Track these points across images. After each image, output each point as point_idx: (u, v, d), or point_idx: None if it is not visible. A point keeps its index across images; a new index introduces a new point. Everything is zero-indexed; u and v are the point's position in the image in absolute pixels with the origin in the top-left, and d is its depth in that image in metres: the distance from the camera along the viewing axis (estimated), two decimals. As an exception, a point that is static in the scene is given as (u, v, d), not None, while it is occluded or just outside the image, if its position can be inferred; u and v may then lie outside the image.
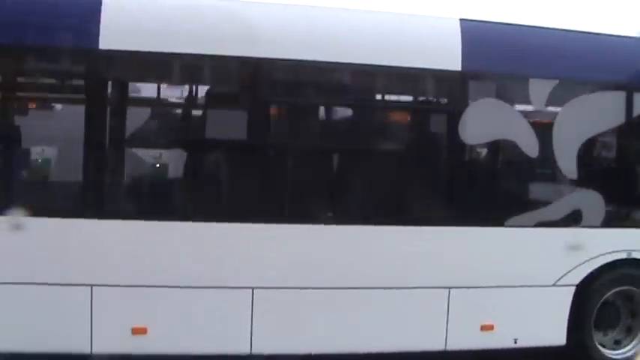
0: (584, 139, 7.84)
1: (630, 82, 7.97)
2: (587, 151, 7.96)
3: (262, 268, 7.01)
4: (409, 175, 7.74)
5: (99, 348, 6.74)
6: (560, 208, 7.83)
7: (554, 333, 7.79)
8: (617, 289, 8.06)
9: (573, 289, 7.79)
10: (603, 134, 8.03)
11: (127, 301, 6.75)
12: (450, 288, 7.48)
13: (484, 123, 7.55)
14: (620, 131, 8.02)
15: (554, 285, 7.75)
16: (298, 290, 7.12)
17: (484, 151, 8.07)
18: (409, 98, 8.35)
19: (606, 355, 8.09)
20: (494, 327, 7.60)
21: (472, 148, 7.84)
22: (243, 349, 7.05)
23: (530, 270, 7.64)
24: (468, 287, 7.52)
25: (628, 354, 8.15)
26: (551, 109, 7.91)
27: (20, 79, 7.08)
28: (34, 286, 6.63)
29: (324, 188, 7.60)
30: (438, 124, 7.77)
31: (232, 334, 7.07)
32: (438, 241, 7.40)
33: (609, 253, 7.83)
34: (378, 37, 7.36)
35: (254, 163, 7.20)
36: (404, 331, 7.38)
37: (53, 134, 7.00)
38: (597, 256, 7.80)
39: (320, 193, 7.57)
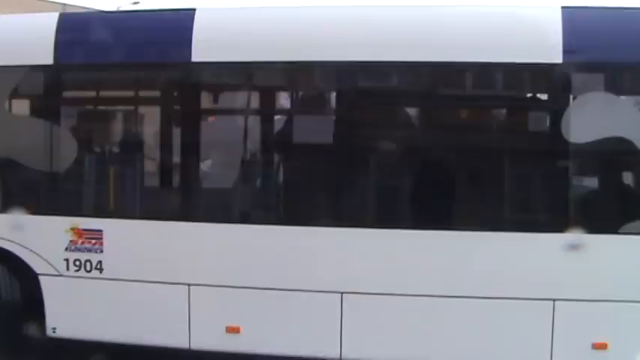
0: None
1: None
2: None
3: (351, 273, 7.03)
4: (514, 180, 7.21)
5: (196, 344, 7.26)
6: None
7: None
8: None
9: None
10: None
11: (223, 301, 7.16)
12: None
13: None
14: None
15: None
16: (388, 296, 6.97)
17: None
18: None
19: None
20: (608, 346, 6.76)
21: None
22: (333, 354, 7.10)
23: None
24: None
25: None
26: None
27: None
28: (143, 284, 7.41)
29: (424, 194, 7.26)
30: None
31: (323, 339, 7.14)
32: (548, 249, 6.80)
33: None
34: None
35: (350, 169, 7.23)
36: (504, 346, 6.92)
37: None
38: None
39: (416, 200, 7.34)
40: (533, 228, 6.91)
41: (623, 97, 7.19)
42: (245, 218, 7.49)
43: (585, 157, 7.01)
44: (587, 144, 6.77)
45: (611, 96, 7.03)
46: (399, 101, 7.68)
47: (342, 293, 7.06)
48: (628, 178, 7.21)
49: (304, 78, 7.72)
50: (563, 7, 6.97)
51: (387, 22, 7.27)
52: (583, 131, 6.79)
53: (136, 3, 76.59)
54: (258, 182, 7.86)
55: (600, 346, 6.74)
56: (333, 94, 7.57)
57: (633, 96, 7.19)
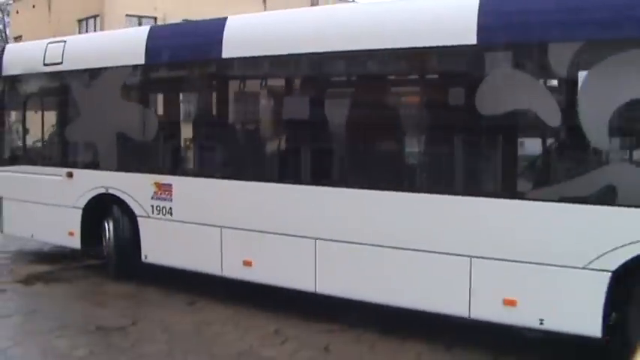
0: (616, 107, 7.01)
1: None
2: (620, 119, 7.10)
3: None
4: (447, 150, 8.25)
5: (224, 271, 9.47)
6: (591, 183, 7.15)
7: (590, 321, 7.12)
8: None
9: (608, 275, 6.96)
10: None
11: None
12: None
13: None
14: None
15: (584, 268, 7.07)
16: (348, 244, 8.60)
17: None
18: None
19: None
20: (518, 303, 7.45)
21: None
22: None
23: (556, 247, 7.25)
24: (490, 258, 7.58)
25: None
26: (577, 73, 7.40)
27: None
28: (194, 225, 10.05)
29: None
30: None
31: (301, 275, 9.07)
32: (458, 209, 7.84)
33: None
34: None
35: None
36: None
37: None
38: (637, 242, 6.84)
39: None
40: (455, 192, 7.89)
41: (529, 74, 7.68)
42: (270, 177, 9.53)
43: (497, 128, 7.72)
44: (497, 116, 7.58)
45: (518, 72, 7.70)
46: (352, 82, 9.50)
47: (315, 239, 8.83)
48: (535, 146, 7.84)
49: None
50: None
51: (343, 18, 9.26)
52: (493, 105, 7.61)
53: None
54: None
55: (510, 303, 7.47)
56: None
57: (538, 72, 7.74)
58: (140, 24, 40.59)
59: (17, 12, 54.09)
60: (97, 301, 10.14)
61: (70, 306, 9.91)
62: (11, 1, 62.44)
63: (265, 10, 43.28)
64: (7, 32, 62.07)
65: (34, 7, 49.53)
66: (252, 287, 9.59)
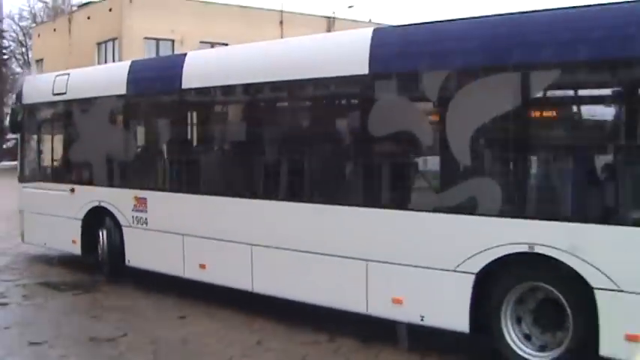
0: (481, 123, 7.92)
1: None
2: (482, 138, 8.08)
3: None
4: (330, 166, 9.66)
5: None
6: (458, 195, 8.05)
7: (459, 318, 7.94)
8: (525, 284, 7.73)
9: (472, 277, 7.83)
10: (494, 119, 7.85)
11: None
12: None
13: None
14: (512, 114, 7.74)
15: (454, 271, 7.95)
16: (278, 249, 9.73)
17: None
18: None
19: (519, 353, 7.75)
20: (404, 302, 8.41)
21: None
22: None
23: (431, 252, 8.15)
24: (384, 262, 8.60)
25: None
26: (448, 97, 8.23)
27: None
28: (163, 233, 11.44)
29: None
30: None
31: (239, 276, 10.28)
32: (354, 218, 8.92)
33: (508, 244, 7.62)
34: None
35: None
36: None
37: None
38: (493, 247, 7.68)
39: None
40: (354, 203, 8.94)
41: (412, 100, 8.85)
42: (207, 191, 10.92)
43: (386, 147, 8.79)
44: (386, 137, 8.67)
45: (405, 99, 8.85)
46: (276, 108, 10.90)
47: (251, 245, 10.03)
48: (416, 163, 8.86)
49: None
50: (374, 29, 9.14)
51: (270, 53, 10.50)
52: (381, 125, 8.66)
53: (350, 7, 77.27)
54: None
55: (397, 301, 8.45)
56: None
57: (416, 97, 8.83)
58: (158, 47, 41.39)
59: (39, 35, 55.10)
60: (93, 314, 10.58)
61: (67, 318, 10.38)
62: (34, 25, 63.60)
63: (282, 32, 43.90)
64: (30, 55, 63.10)
65: (54, 30, 50.58)
66: (242, 299, 10.30)
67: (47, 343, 8.96)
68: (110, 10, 42.34)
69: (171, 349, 8.75)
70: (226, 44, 40.97)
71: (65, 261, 14.17)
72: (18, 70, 71.06)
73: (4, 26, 70.85)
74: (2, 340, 9.17)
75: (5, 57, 69.09)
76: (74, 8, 54.56)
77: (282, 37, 40.97)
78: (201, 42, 41.33)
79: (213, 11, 42.69)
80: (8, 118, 15.33)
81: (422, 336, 8.53)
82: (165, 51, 41.10)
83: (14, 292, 11.97)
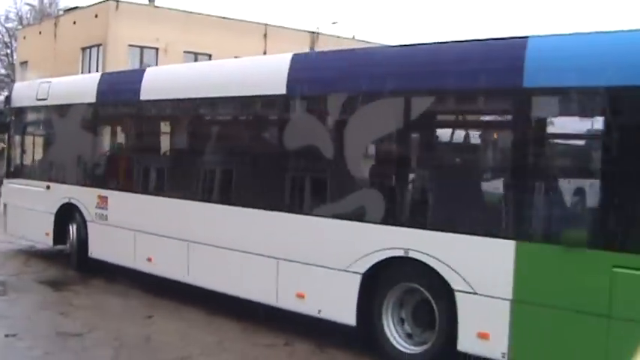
0: (369, 142, 9.36)
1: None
2: (370, 156, 9.50)
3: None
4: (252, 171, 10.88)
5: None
6: (350, 203, 9.18)
7: (348, 313, 8.99)
8: (402, 285, 8.71)
9: (359, 277, 8.86)
10: (380, 139, 9.26)
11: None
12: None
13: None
14: (394, 135, 8.98)
15: (345, 270, 9.02)
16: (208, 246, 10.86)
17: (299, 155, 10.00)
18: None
19: (397, 347, 8.74)
20: (306, 297, 9.52)
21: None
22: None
23: (329, 253, 9.22)
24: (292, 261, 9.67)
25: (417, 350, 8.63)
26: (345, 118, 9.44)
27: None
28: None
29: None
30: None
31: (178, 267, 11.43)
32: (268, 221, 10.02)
33: (386, 249, 8.65)
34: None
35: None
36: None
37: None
38: (376, 251, 8.72)
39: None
40: (267, 208, 10.05)
41: (318, 119, 9.81)
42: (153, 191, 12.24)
43: (294, 160, 10.02)
44: (295, 151, 9.89)
45: (313, 118, 9.87)
46: (210, 122, 12.18)
47: (188, 242, 11.15)
48: (319, 173, 9.92)
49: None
50: (293, 55, 10.19)
51: (209, 73, 12.14)
52: (293, 140, 9.85)
53: (334, 23, 77.58)
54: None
55: (300, 295, 9.52)
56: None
57: (322, 116, 9.79)
58: (142, 55, 41.74)
59: (24, 38, 55.22)
60: (62, 310, 11.03)
61: (37, 314, 10.82)
62: (20, 27, 63.71)
63: (265, 45, 44.35)
64: (15, 57, 63.21)
65: (40, 33, 50.69)
66: (207, 299, 11.01)
67: (17, 336, 9.38)
68: (96, 16, 42.54)
69: (133, 346, 9.21)
70: (210, 55, 41.48)
71: (40, 258, 15.27)
72: (2, 71, 71.18)
73: (-11, 27, 71.13)
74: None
75: (-10, 57, 69.19)
76: (61, 12, 54.89)
77: (265, 51, 41.45)
78: (184, 52, 41.83)
79: (198, 22, 42.94)
80: None
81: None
82: (149, 59, 41.43)
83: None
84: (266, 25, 46.83)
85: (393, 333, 8.79)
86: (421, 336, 8.70)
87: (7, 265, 14.67)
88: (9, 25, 71.09)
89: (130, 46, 41.26)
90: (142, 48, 41.81)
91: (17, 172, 15.99)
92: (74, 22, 45.65)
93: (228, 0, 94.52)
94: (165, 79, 12.54)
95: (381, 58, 9.57)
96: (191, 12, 44.14)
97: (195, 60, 41.19)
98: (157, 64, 38.90)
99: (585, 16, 78.57)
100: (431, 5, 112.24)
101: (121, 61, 39.37)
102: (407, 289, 8.74)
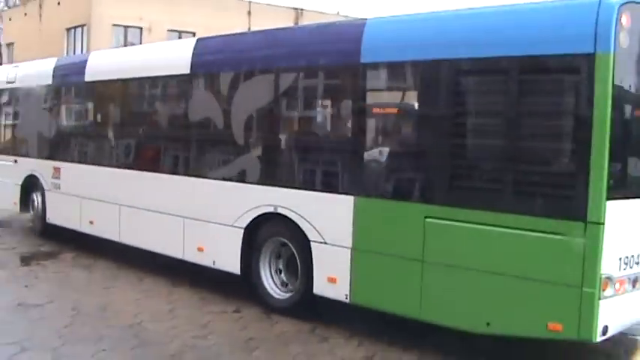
0: (247, 114, 10.44)
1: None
2: (247, 126, 10.47)
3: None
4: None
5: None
6: (235, 167, 10.63)
7: (234, 263, 10.30)
8: (274, 238, 9.96)
9: (241, 230, 10.14)
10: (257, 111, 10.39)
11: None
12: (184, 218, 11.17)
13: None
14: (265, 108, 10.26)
15: (232, 226, 10.28)
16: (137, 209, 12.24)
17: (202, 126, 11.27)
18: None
19: (272, 293, 10.07)
20: (204, 250, 10.82)
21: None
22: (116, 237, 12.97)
23: (220, 211, 10.51)
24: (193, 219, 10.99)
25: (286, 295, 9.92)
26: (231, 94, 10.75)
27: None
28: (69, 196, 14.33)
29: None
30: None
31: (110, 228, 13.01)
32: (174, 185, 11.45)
33: (261, 206, 9.91)
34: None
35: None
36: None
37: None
38: (253, 208, 10.00)
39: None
40: (175, 173, 11.62)
41: (213, 94, 11.11)
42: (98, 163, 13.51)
43: (195, 130, 11.34)
44: (196, 122, 11.31)
45: (209, 94, 11.22)
46: (133, 99, 13.37)
47: (119, 205, 12.58)
48: (215, 144, 11.29)
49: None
50: (197, 39, 11.79)
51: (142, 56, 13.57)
52: (194, 114, 11.33)
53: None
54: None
55: (200, 249, 10.87)
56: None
57: (217, 92, 11.03)
58: (126, 34, 41.97)
59: (10, 19, 55.21)
60: (27, 283, 11.46)
61: (2, 287, 11.30)
62: (6, 8, 63.79)
63: (249, 22, 44.58)
64: (1, 39, 63.30)
65: (25, 15, 50.85)
66: (173, 270, 11.89)
67: (-21, 307, 9.83)
68: (80, -4, 42.93)
69: (88, 314, 9.58)
70: (194, 33, 41.67)
71: (13, 234, 16.36)
72: (-12, 51, 71.31)
73: (-24, 9, 71.24)
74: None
75: (-24, 39, 69.25)
76: (44, -8, 55.08)
77: (249, 27, 41.62)
78: (168, 30, 42.03)
79: (181, 0, 43.33)
80: None
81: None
82: (133, 38, 41.64)
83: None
84: (250, 1, 46.92)
85: (269, 281, 10.08)
86: (294, 284, 9.82)
87: (-22, 241, 15.11)
88: (-5, 7, 71.28)
89: (114, 25, 41.43)
90: (125, 27, 41.96)
91: None
92: (58, 3, 45.77)
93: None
94: (103, 63, 13.92)
95: (254, 40, 11.19)
96: (175, -10, 44.29)
97: (179, 37, 41.44)
98: (141, 43, 39.27)
99: None
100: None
101: (105, 41, 39.62)
102: (280, 242, 9.96)
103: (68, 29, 44.28)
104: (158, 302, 10.40)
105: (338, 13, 51.42)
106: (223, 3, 45.15)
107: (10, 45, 53.48)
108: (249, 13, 46.01)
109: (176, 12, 42.16)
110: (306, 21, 46.47)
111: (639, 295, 7.42)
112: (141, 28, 42.16)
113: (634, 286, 7.29)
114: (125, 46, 38.93)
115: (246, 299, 10.30)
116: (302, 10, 49.78)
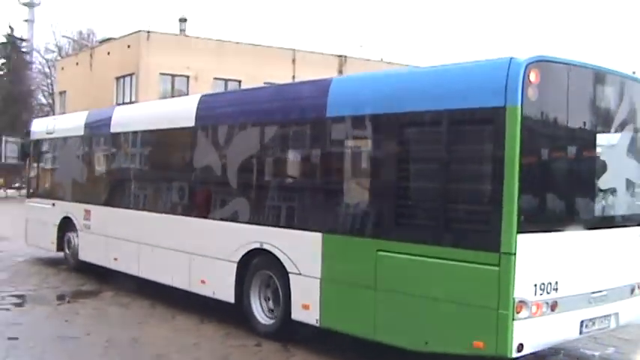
0: (238, 163, 11.77)
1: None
2: (240, 172, 11.78)
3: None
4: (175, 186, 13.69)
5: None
6: (229, 209, 11.91)
7: (229, 293, 11.61)
8: (262, 271, 11.21)
9: (235, 264, 11.45)
10: (247, 159, 11.69)
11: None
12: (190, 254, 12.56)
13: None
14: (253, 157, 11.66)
15: (227, 260, 11.58)
16: (154, 247, 13.68)
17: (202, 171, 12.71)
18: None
19: (259, 319, 11.30)
20: (206, 282, 12.21)
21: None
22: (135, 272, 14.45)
23: (218, 248, 11.86)
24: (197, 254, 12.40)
25: (269, 322, 11.12)
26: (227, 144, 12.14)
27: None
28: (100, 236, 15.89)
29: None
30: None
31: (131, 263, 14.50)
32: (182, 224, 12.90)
33: (250, 243, 11.21)
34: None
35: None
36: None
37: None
38: (244, 244, 11.32)
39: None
40: (183, 214, 13.02)
41: (214, 144, 12.40)
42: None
43: (198, 177, 12.84)
44: (199, 170, 12.75)
45: (210, 144, 12.50)
46: (148, 149, 14.87)
47: (139, 243, 14.05)
48: (215, 190, 12.61)
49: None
50: (201, 96, 13.40)
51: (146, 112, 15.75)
52: (198, 162, 12.76)
53: (361, 46, 78.52)
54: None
55: (203, 282, 12.27)
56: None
57: (216, 143, 12.31)
58: (173, 82, 43.28)
59: (62, 68, 57.27)
60: (67, 318, 12.46)
61: (44, 321, 12.22)
62: (59, 58, 65.76)
63: (294, 70, 45.55)
64: (54, 87, 65.22)
65: (77, 64, 52.67)
66: (200, 305, 12.71)
67: (21, 339, 10.77)
68: (129, 46, 44.46)
69: (120, 346, 10.46)
70: (239, 81, 42.89)
71: (57, 275, 17.14)
72: (43, 100, 73.42)
73: (32, 58, 73.61)
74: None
75: (32, 88, 71.78)
76: (96, 43, 56.94)
77: (294, 75, 42.57)
78: (214, 78, 43.28)
79: (227, 49, 44.43)
80: (17, 150, 20.14)
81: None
82: (180, 86, 43.09)
83: (8, 301, 13.94)
84: (294, 50, 47.99)
85: (258, 308, 11.34)
86: (279, 311, 10.98)
87: (28, 281, 16.32)
88: (48, 56, 73.53)
89: (162, 74, 42.84)
90: (173, 76, 43.37)
91: (34, 193, 19.63)
92: (108, 53, 47.54)
93: (258, 27, 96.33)
94: (125, 116, 15.56)
95: (243, 98, 13.04)
96: (221, 40, 45.59)
97: (225, 86, 42.61)
98: (187, 92, 40.48)
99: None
100: (455, 25, 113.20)
101: (153, 89, 41.05)
102: (267, 275, 11.20)
103: (118, 78, 45.85)
104: (186, 337, 11.26)
105: (382, 59, 52.01)
106: (268, 51, 46.20)
107: (62, 93, 55.28)
108: (293, 61, 46.95)
109: (222, 61, 43.33)
110: (350, 67, 47.33)
111: (561, 318, 8.40)
112: (187, 77, 43.37)
113: (552, 310, 8.26)
114: (172, 94, 40.12)
115: (276, 339, 11.01)
116: (346, 57, 50.46)
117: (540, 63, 8.11)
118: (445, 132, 8.58)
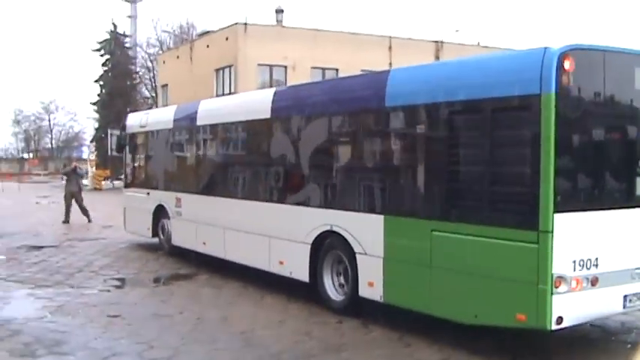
0: (310, 151, 12.61)
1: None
2: (311, 160, 12.64)
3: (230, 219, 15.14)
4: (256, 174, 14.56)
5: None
6: (303, 194, 12.74)
7: (304, 273, 12.50)
8: (333, 251, 11.98)
9: (309, 246, 12.30)
10: (318, 148, 12.52)
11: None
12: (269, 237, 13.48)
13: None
14: (322, 146, 12.49)
15: (302, 242, 12.44)
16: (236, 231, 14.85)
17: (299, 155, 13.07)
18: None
19: (331, 296, 12.12)
20: (284, 263, 13.13)
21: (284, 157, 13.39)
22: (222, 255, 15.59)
23: (293, 230, 12.73)
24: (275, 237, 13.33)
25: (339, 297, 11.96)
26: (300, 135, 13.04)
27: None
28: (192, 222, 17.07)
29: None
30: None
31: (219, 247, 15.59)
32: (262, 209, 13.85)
33: (322, 225, 12.04)
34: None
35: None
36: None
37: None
38: (316, 227, 12.15)
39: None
40: (262, 200, 13.99)
41: (288, 133, 13.37)
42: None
43: (274, 164, 13.69)
44: (275, 157, 13.61)
45: (284, 135, 13.46)
46: (229, 140, 15.86)
47: (224, 228, 15.21)
48: (288, 176, 13.51)
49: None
50: (275, 90, 14.90)
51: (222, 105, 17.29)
52: (274, 152, 13.62)
53: (457, 31, 77.40)
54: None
55: (281, 262, 13.18)
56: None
57: (299, 133, 13.09)
58: (271, 72, 44.04)
59: (164, 62, 58.73)
60: (163, 299, 13.32)
61: (142, 301, 13.10)
62: (160, 52, 67.46)
63: (390, 58, 45.68)
64: (156, 81, 66.95)
65: (178, 57, 54.00)
66: (289, 288, 13.30)
67: (120, 317, 11.63)
68: (227, 38, 45.35)
69: (209, 323, 11.31)
70: (337, 69, 43.37)
71: (155, 260, 18.06)
72: (147, 94, 75.45)
73: (135, 53, 75.70)
74: (87, 313, 11.89)
75: (136, 82, 74.05)
76: (196, 37, 58.28)
77: (390, 62, 42.73)
78: (312, 67, 43.85)
79: (323, 38, 44.83)
80: (115, 143, 21.64)
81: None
82: (278, 76, 43.81)
83: (109, 283, 14.89)
84: (390, 37, 48.07)
85: (330, 286, 12.17)
86: (348, 288, 11.81)
87: (129, 265, 17.31)
88: (150, 50, 75.48)
89: (260, 65, 43.64)
90: (270, 66, 44.11)
91: (130, 183, 20.99)
92: (207, 46, 48.62)
93: (354, 15, 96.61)
94: (209, 109, 16.51)
95: (313, 90, 13.59)
96: (317, 29, 46.02)
97: (323, 75, 43.13)
98: (285, 81, 41.18)
99: None
100: (550, 6, 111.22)
101: (251, 80, 41.86)
102: (337, 254, 11.98)
103: (217, 70, 46.82)
104: (272, 315, 11.92)
105: (478, 44, 51.68)
106: (365, 39, 46.40)
107: (164, 86, 56.76)
108: (389, 48, 47.06)
109: (319, 50, 43.79)
110: (446, 53, 47.23)
111: (602, 293, 8.85)
112: (285, 67, 44.03)
113: (593, 285, 8.74)
114: (271, 84, 40.84)
115: (347, 314, 11.60)
116: (442, 42, 50.32)
117: (574, 52, 8.52)
118: (489, 119, 9.14)
